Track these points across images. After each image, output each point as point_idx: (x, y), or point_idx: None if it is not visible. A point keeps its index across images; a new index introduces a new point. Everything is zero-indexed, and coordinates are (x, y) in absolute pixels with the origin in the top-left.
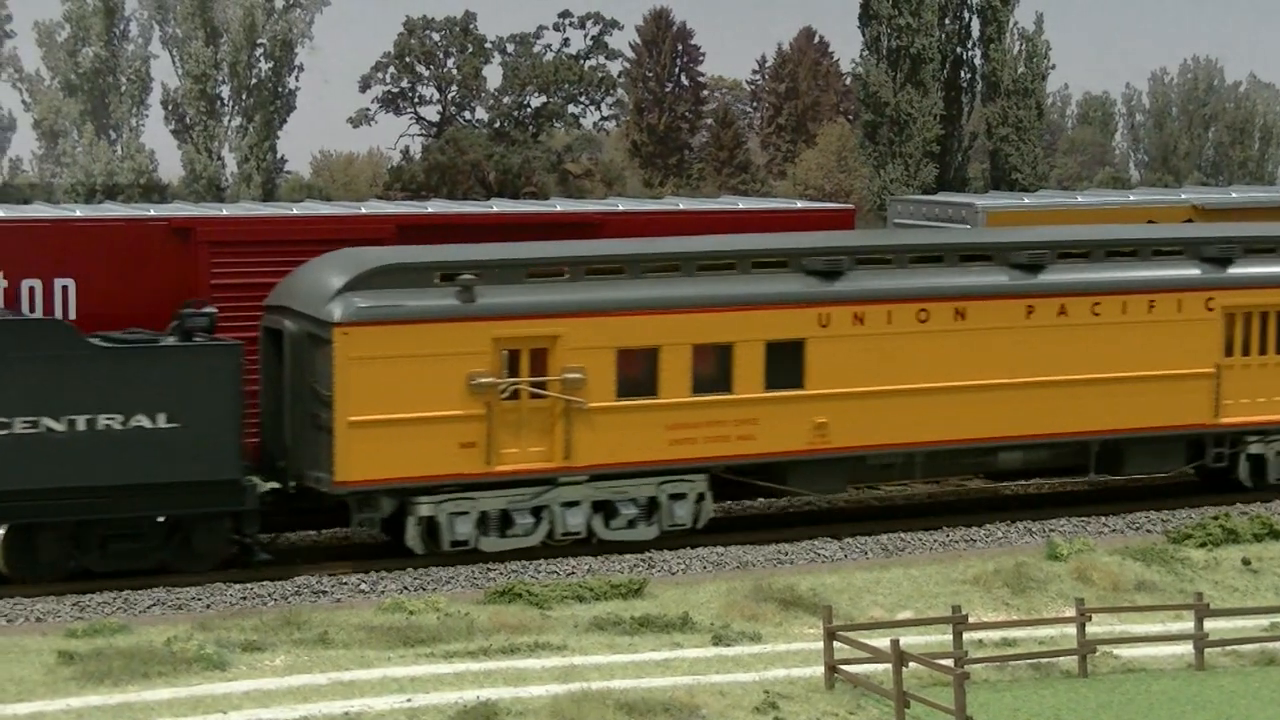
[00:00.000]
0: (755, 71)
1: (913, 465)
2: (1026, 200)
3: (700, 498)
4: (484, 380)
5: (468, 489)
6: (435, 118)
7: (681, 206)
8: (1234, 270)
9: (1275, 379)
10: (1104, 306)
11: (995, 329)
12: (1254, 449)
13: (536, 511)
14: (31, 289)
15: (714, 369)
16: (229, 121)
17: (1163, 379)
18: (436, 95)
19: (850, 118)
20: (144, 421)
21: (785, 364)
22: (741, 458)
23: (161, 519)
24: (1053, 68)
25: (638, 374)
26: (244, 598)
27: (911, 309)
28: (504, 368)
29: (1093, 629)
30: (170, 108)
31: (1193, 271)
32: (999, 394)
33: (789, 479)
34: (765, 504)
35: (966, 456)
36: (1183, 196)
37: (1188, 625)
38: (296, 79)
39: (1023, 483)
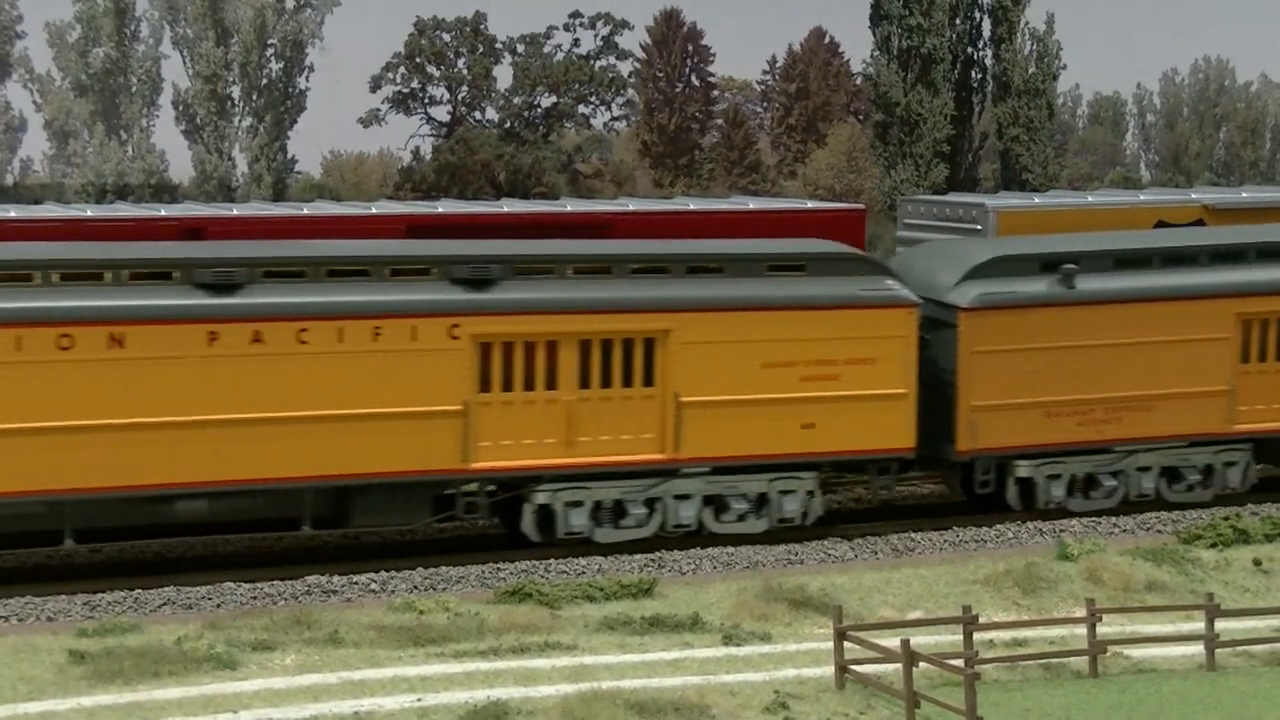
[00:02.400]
0: (766, 72)
1: (61, 516)
2: (1037, 200)
3: None
4: None
5: None
6: (446, 118)
7: (692, 207)
8: (491, 294)
9: (542, 419)
10: (315, 333)
11: (165, 358)
12: (541, 498)
13: None
14: None
15: None
16: (239, 122)
17: (393, 417)
18: (447, 95)
19: (861, 118)
20: None
21: None
22: None
23: None
24: (1064, 68)
25: None
26: (254, 597)
27: (51, 334)
28: None
29: (1103, 629)
30: (181, 108)
31: (433, 295)
32: (170, 433)
33: None
34: None
35: (133, 506)
36: (1193, 197)
37: (1199, 626)
38: (307, 79)
39: None
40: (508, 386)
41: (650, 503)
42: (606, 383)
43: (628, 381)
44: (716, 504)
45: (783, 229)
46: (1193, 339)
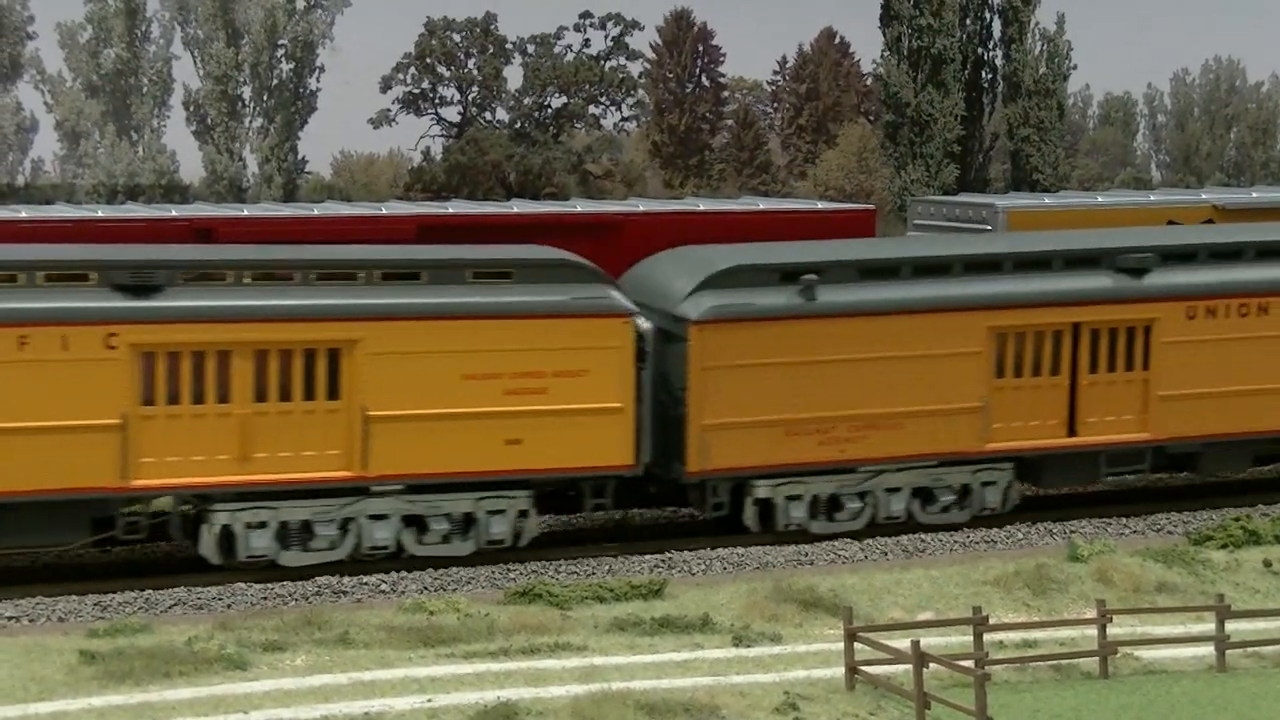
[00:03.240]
0: (776, 72)
1: None
2: (1047, 201)
3: None
4: None
5: None
6: (456, 118)
7: (702, 207)
8: (154, 301)
9: (214, 434)
10: None
11: None
12: (221, 519)
13: None
14: None
15: None
16: (250, 122)
17: (40, 431)
18: (457, 96)
19: (871, 118)
20: None
21: None
22: None
23: None
24: (1074, 68)
25: None
26: (265, 598)
27: None
28: None
29: (1114, 630)
30: (192, 109)
31: (86, 301)
32: None
33: None
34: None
35: None
36: (1203, 197)
37: (1209, 627)
38: (317, 80)
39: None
40: (174, 399)
41: (346, 523)
42: (286, 396)
43: (310, 395)
44: (418, 525)
45: (793, 229)
46: (942, 353)
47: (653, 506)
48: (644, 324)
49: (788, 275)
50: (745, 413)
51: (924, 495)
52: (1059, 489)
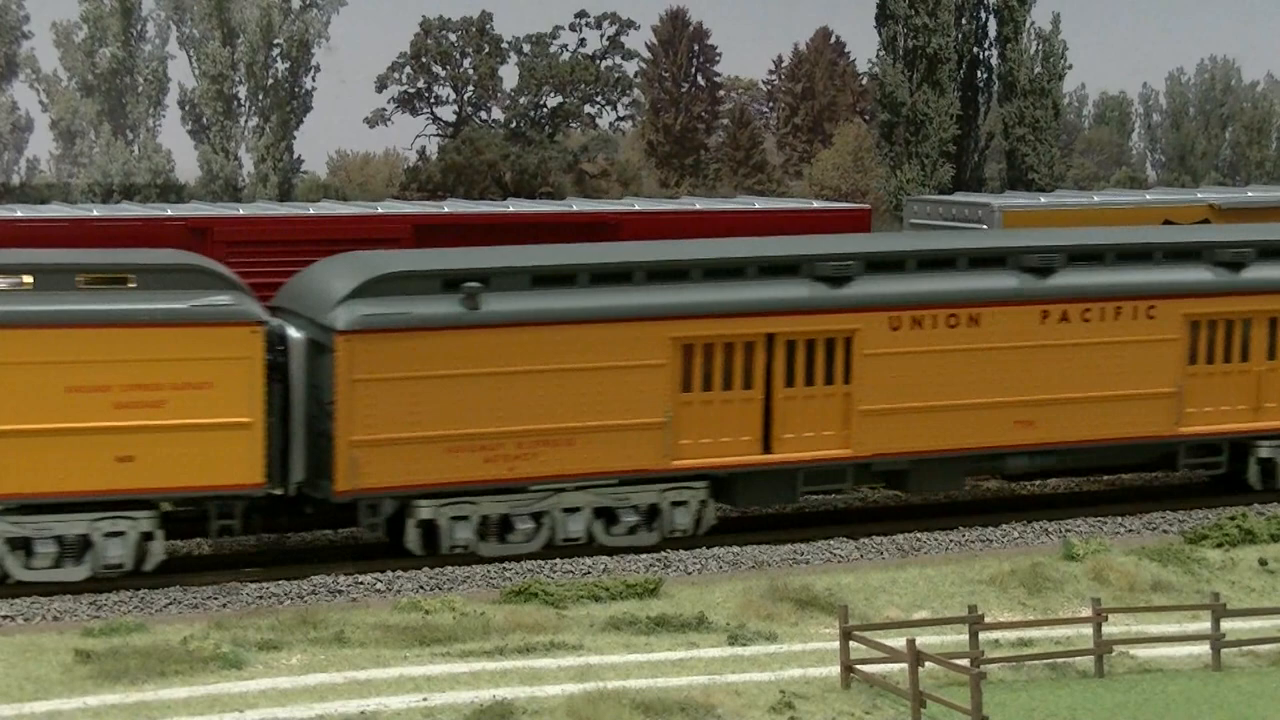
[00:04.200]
0: (772, 71)
1: None
2: (1043, 200)
3: None
4: None
5: None
6: (451, 118)
7: (698, 206)
8: None
9: None
10: None
11: None
12: None
13: None
14: None
15: None
16: (246, 122)
17: None
18: (453, 95)
19: (867, 118)
20: None
21: None
22: None
23: None
24: (1069, 67)
25: None
26: (260, 597)
27: None
28: None
29: (1109, 629)
30: (187, 108)
31: None
32: None
33: None
34: (780, 505)
35: None
36: (1199, 196)
37: (1204, 625)
38: (313, 79)
39: (1038, 483)
40: None
41: None
42: None
43: None
44: (25, 548)
45: (789, 228)
46: (622, 366)
47: (310, 529)
48: (294, 333)
49: (450, 282)
50: (401, 428)
51: (608, 516)
52: (756, 509)
